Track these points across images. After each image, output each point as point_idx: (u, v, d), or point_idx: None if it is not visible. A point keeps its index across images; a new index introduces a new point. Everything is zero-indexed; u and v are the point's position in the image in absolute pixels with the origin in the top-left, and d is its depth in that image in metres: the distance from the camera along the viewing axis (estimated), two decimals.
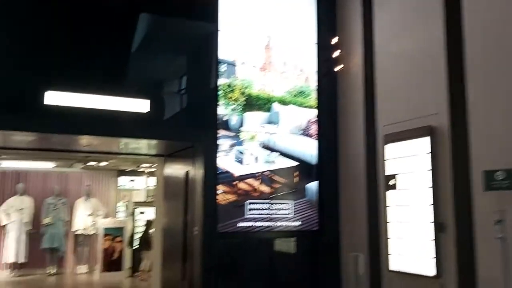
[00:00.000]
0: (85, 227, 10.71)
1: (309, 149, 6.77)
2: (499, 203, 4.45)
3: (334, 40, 6.89)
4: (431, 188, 5.14)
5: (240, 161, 6.32)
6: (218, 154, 6.21)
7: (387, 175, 5.77)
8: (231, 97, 6.38)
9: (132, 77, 6.10)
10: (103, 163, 10.79)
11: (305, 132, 6.80)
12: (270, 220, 6.39)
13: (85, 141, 6.67)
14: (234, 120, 6.37)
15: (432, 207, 5.10)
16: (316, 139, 6.83)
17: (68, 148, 7.64)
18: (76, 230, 10.75)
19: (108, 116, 5.70)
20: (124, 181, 12.49)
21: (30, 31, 5.53)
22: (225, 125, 6.32)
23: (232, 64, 6.44)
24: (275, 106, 6.66)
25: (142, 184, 12.93)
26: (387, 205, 5.74)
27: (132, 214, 10.81)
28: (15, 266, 10.13)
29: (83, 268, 10.68)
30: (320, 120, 6.88)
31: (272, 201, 6.43)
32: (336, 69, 6.88)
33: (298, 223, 6.55)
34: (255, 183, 6.38)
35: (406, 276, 5.43)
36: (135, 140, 6.61)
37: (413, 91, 5.58)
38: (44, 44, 5.56)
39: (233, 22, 6.50)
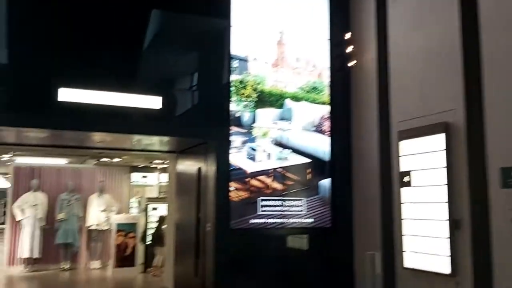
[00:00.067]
0: (98, 222, 10.77)
1: (322, 146, 6.72)
2: None
3: (347, 35, 6.82)
4: (446, 185, 5.07)
5: (253, 158, 6.30)
6: (230, 151, 6.19)
7: (401, 172, 5.70)
8: (243, 94, 6.36)
9: (144, 73, 6.11)
10: (116, 159, 10.85)
11: (318, 129, 6.75)
12: (283, 217, 6.37)
13: (98, 137, 6.70)
14: (246, 117, 6.35)
15: (447, 204, 5.04)
16: (329, 135, 6.78)
17: (81, 145, 7.69)
18: (90, 226, 10.82)
19: (121, 113, 5.72)
20: (136, 177, 12.54)
21: (44, 29, 5.55)
22: (238, 122, 6.30)
23: (244, 60, 6.41)
24: (288, 102, 6.62)
25: (154, 180, 12.98)
26: (401, 202, 5.68)
27: (145, 210, 10.84)
28: (29, 261, 10.21)
29: (96, 264, 10.75)
30: (333, 116, 6.83)
31: (285, 198, 6.40)
32: (349, 64, 6.82)
33: (310, 220, 6.52)
34: (268, 180, 6.36)
35: (421, 274, 5.37)
36: (147, 137, 6.62)
37: (428, 86, 5.50)
38: (57, 41, 5.58)
39: (246, 17, 6.47)
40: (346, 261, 6.62)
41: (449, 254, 4.97)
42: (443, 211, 5.07)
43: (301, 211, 6.47)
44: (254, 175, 6.29)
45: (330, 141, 6.77)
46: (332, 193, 6.68)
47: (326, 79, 6.88)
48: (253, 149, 6.32)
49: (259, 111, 6.43)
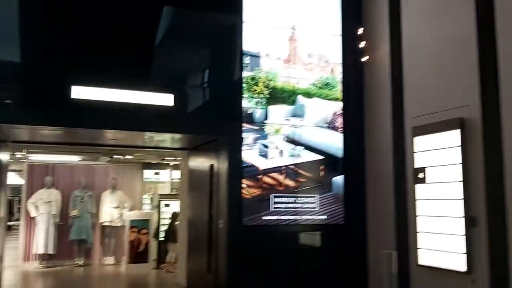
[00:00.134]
0: (111, 219, 10.85)
1: (335, 142, 6.67)
2: None
3: (360, 30, 6.75)
4: (462, 182, 4.99)
5: (265, 155, 6.28)
6: (242, 148, 6.17)
7: (415, 168, 5.63)
8: (255, 90, 6.33)
9: (156, 71, 6.11)
10: (128, 157, 10.90)
11: (331, 125, 6.70)
12: (296, 214, 6.34)
13: (111, 135, 6.73)
14: (258, 113, 6.32)
15: (463, 201, 4.96)
16: (342, 132, 6.73)
17: (94, 142, 7.74)
18: (103, 222, 10.90)
19: (133, 110, 5.73)
20: (149, 174, 12.61)
21: (57, 26, 5.58)
22: (250, 118, 6.27)
23: (256, 56, 6.38)
24: (300, 98, 6.57)
25: (167, 177, 13.03)
26: (415, 199, 5.62)
27: (158, 206, 10.89)
28: (44, 257, 10.32)
29: (110, 260, 10.83)
30: (346, 112, 6.77)
31: (298, 195, 6.37)
32: (362, 60, 6.75)
33: (323, 217, 6.49)
34: (280, 177, 6.33)
35: (436, 271, 5.31)
36: (159, 134, 6.63)
37: (443, 81, 5.42)
38: (70, 39, 5.60)
39: (258, 13, 6.43)
40: (359, 258, 6.58)
41: (465, 251, 4.91)
42: (459, 208, 5.00)
43: (314, 208, 6.44)
44: (267, 172, 6.27)
45: (343, 138, 6.71)
46: (345, 190, 6.64)
47: (338, 75, 6.82)
48: (265, 146, 6.29)
49: (271, 108, 6.39)
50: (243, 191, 6.11)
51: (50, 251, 10.33)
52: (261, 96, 6.35)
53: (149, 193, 12.18)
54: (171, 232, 9.84)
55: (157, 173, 12.81)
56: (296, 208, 6.35)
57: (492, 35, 4.81)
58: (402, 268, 5.85)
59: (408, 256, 5.78)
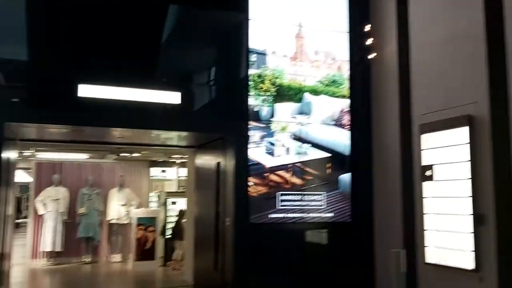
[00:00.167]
0: (118, 216, 10.90)
1: (342, 140, 6.65)
2: None
3: (367, 27, 6.72)
4: (470, 179, 4.96)
5: (271, 153, 6.27)
6: (249, 146, 6.17)
7: (423, 166, 5.61)
8: (261, 88, 6.31)
9: (163, 69, 6.12)
10: (135, 154, 10.93)
11: (338, 123, 6.68)
12: (302, 211, 6.33)
13: (118, 133, 6.74)
14: (265, 111, 6.31)
15: (471, 198, 4.93)
16: (349, 129, 6.70)
17: (101, 140, 7.76)
18: (110, 220, 10.95)
19: (140, 108, 5.74)
20: (156, 172, 12.64)
21: (64, 26, 5.59)
22: (256, 116, 6.26)
23: (262, 54, 6.37)
24: (307, 96, 6.56)
25: (173, 175, 13.05)
26: (423, 196, 5.59)
27: (164, 204, 10.91)
28: (52, 254, 10.39)
29: (117, 257, 10.88)
30: (353, 110, 6.75)
31: (304, 193, 6.36)
32: (369, 57, 6.72)
33: (330, 214, 6.47)
34: (287, 175, 6.32)
35: (443, 269, 5.29)
36: (166, 132, 6.64)
37: (451, 78, 5.38)
38: (77, 37, 5.62)
39: (264, 11, 6.41)
40: (366, 256, 6.56)
41: (473, 249, 4.88)
42: (467, 206, 4.97)
43: (321, 205, 6.42)
44: (273, 170, 6.26)
45: (350, 135, 6.69)
46: (352, 187, 6.62)
47: (345, 72, 6.80)
48: (272, 144, 6.29)
49: (278, 105, 6.38)
50: (249, 189, 6.11)
51: (58, 249, 10.40)
52: (268, 93, 6.34)
53: (156, 190, 12.21)
54: (178, 230, 9.86)
55: (164, 171, 12.83)
56: (302, 206, 6.34)
57: (501, 32, 4.77)
58: (410, 266, 5.83)
59: (416, 254, 5.75)
